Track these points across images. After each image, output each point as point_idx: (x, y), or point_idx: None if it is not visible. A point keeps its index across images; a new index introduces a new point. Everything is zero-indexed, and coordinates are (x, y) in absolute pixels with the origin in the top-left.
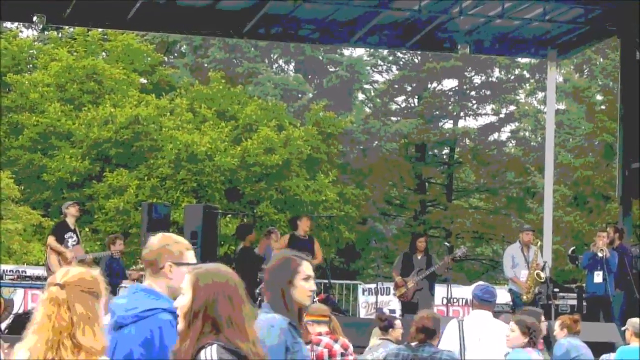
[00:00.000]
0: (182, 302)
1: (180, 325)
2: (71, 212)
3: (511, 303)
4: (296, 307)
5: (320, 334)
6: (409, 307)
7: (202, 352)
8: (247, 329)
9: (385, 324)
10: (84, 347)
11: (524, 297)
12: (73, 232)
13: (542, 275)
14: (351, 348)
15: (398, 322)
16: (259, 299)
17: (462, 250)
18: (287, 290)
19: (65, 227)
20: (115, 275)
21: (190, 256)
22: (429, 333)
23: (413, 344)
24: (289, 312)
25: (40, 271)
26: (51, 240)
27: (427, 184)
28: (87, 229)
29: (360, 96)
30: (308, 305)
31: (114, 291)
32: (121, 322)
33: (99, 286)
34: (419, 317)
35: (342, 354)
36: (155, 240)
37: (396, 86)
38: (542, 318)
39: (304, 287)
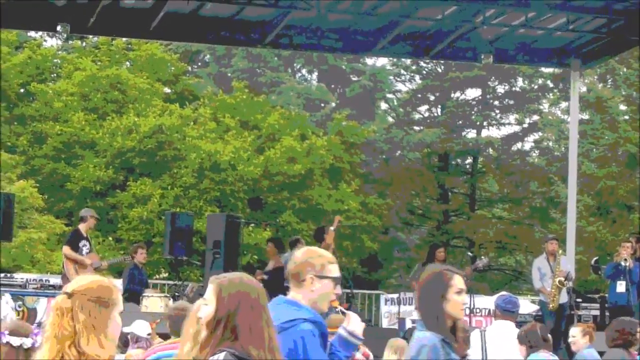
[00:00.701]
0: (206, 312)
1: (203, 334)
2: (90, 223)
3: (540, 314)
4: (449, 322)
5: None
6: None
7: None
8: (266, 335)
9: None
10: (89, 356)
11: (550, 306)
12: (86, 240)
13: (564, 281)
14: (372, 357)
15: None
16: None
17: (484, 261)
18: (440, 305)
19: (80, 235)
20: (137, 283)
21: (333, 269)
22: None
23: None
24: (442, 327)
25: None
26: (67, 249)
27: (449, 193)
28: (110, 238)
29: (383, 105)
30: (460, 319)
31: (136, 299)
32: None
33: (109, 295)
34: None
35: None
36: (300, 253)
37: (419, 95)
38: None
39: (457, 300)
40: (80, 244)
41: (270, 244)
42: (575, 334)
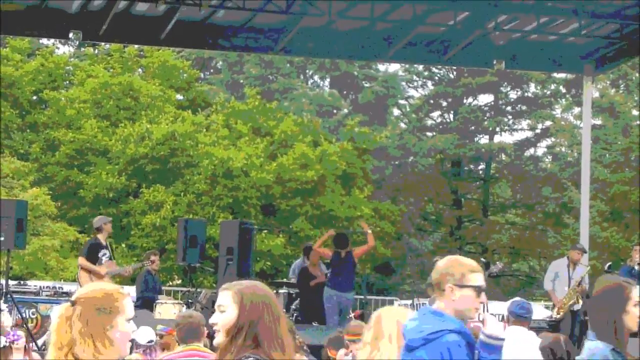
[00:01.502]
0: (227, 318)
1: (221, 339)
2: (107, 229)
3: (549, 319)
4: (627, 334)
5: None
6: None
7: None
8: (286, 343)
9: None
10: None
11: (554, 313)
12: (106, 249)
13: (580, 300)
14: None
15: None
16: (295, 314)
17: (499, 267)
18: (619, 318)
19: (99, 245)
20: (151, 289)
21: (473, 278)
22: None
23: None
24: (618, 339)
25: (77, 287)
26: (82, 260)
27: (462, 199)
28: (123, 245)
29: (396, 112)
30: (634, 331)
31: (150, 306)
32: (411, 345)
33: (112, 302)
34: None
35: None
36: (442, 262)
37: (431, 101)
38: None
39: (635, 313)
40: (100, 254)
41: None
42: None
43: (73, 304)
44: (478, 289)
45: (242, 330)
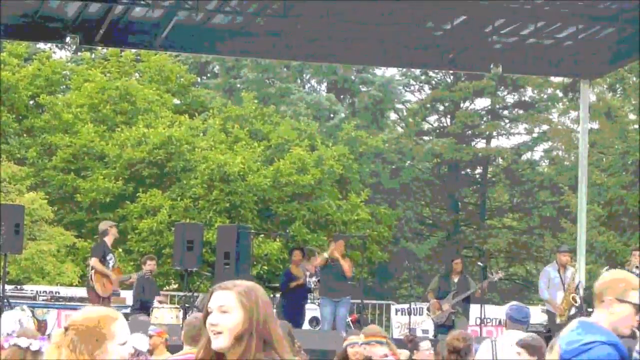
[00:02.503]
0: (235, 320)
1: (228, 343)
2: (113, 233)
3: (545, 323)
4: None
5: (386, 355)
6: (445, 328)
7: None
8: (286, 344)
9: (410, 345)
10: None
11: (558, 319)
12: (112, 254)
13: (578, 299)
14: None
15: (424, 344)
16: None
17: (499, 275)
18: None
19: (106, 248)
20: (148, 294)
21: (634, 295)
22: (460, 353)
23: None
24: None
25: (73, 292)
26: (96, 262)
27: (459, 203)
28: (120, 250)
29: (393, 116)
30: None
31: (146, 310)
32: (565, 356)
33: (101, 329)
34: (449, 338)
35: None
36: (607, 274)
37: (428, 106)
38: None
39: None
40: (108, 257)
41: (298, 251)
42: None
43: (66, 329)
44: (638, 307)
45: (254, 333)
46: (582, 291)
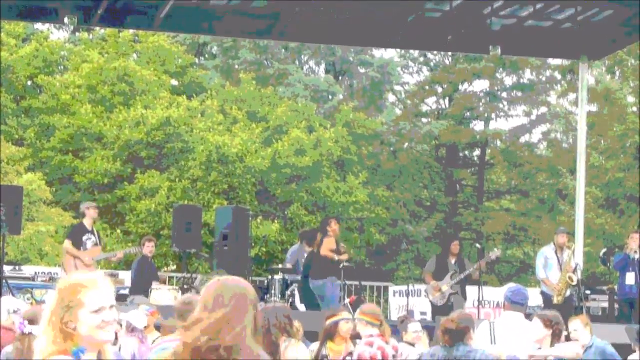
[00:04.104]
0: None
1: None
2: (90, 214)
3: (542, 305)
4: None
5: (371, 335)
6: (443, 310)
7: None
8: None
9: (400, 326)
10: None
11: (555, 299)
12: (91, 233)
13: (574, 278)
14: (400, 351)
15: (412, 326)
16: (290, 300)
17: (496, 254)
18: None
19: (83, 229)
20: (146, 275)
21: None
22: (453, 334)
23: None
24: None
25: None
26: (67, 244)
27: (457, 185)
28: (118, 231)
29: (391, 97)
30: None
31: (145, 291)
32: None
33: (74, 295)
34: (443, 320)
35: (394, 356)
36: None
37: (427, 87)
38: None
39: None
40: (84, 238)
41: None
42: (577, 326)
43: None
44: None
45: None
46: (580, 273)
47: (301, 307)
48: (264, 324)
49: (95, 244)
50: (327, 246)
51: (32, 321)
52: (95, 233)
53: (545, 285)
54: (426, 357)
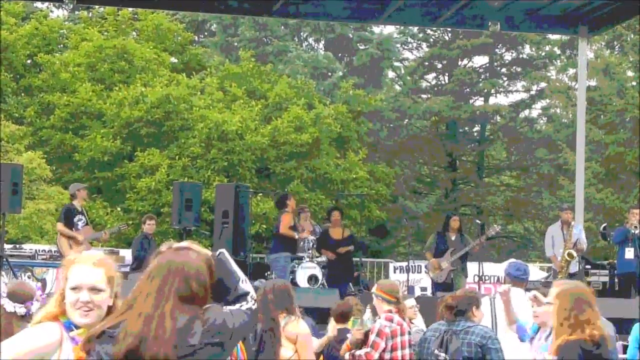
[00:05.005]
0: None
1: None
2: (81, 195)
3: (549, 281)
4: None
5: (390, 311)
6: (444, 286)
7: None
8: None
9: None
10: None
11: (559, 276)
12: (81, 214)
13: (574, 254)
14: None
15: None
16: (291, 277)
17: (496, 229)
18: None
19: (74, 210)
20: (147, 253)
21: None
22: (455, 310)
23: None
24: None
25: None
26: (60, 226)
27: (457, 161)
28: (118, 209)
29: (391, 74)
30: None
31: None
32: None
33: (65, 272)
34: (447, 296)
35: (409, 332)
36: None
37: (426, 64)
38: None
39: None
40: (75, 219)
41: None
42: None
43: None
44: None
45: None
46: (585, 246)
47: (303, 284)
48: (262, 300)
49: (86, 224)
50: (285, 223)
51: (11, 296)
52: (85, 214)
53: (554, 263)
54: (430, 333)
